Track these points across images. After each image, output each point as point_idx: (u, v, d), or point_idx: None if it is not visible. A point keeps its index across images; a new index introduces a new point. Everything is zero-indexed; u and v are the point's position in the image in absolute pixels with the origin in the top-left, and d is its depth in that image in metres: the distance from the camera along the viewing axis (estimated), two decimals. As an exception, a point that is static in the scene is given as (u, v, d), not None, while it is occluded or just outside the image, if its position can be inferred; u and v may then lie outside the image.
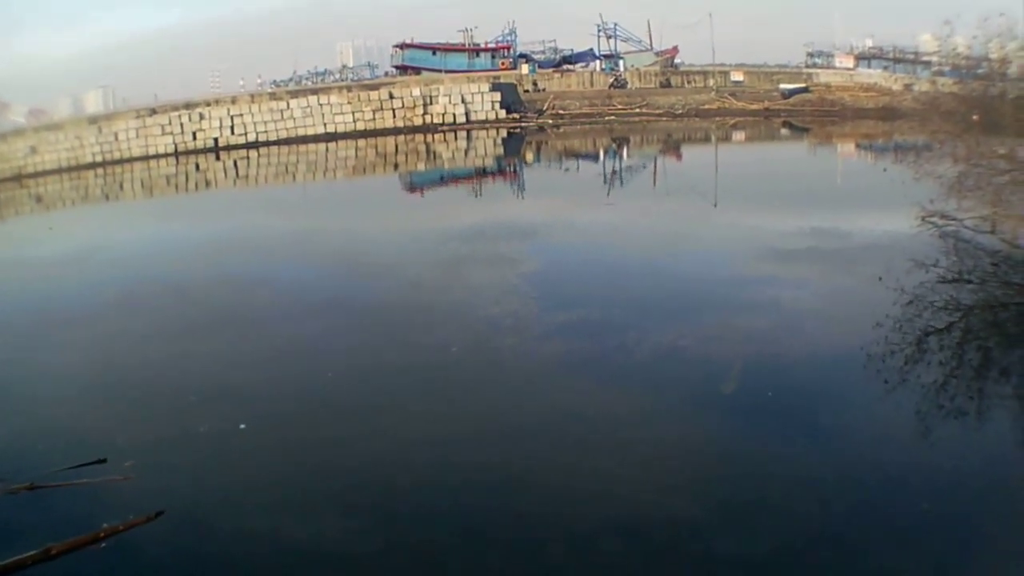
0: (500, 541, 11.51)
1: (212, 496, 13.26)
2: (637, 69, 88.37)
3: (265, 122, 76.60)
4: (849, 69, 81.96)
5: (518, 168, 57.22)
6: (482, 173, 55.48)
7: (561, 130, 72.71)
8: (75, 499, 13.34)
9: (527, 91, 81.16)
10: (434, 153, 66.23)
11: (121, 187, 65.96)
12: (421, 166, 62.56)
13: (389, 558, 11.22)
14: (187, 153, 75.11)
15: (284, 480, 13.41)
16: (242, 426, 15.39)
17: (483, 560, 11.17)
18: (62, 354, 20.92)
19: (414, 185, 53.33)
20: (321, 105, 76.62)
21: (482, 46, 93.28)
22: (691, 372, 16.21)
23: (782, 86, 77.40)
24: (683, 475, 12.36)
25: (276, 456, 14.30)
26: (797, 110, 73.24)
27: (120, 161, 74.64)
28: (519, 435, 14.14)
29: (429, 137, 72.10)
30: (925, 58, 74.94)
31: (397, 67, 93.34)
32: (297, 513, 12.38)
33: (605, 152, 62.78)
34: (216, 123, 76.56)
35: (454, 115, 75.11)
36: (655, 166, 53.67)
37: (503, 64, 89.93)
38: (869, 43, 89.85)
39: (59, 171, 73.87)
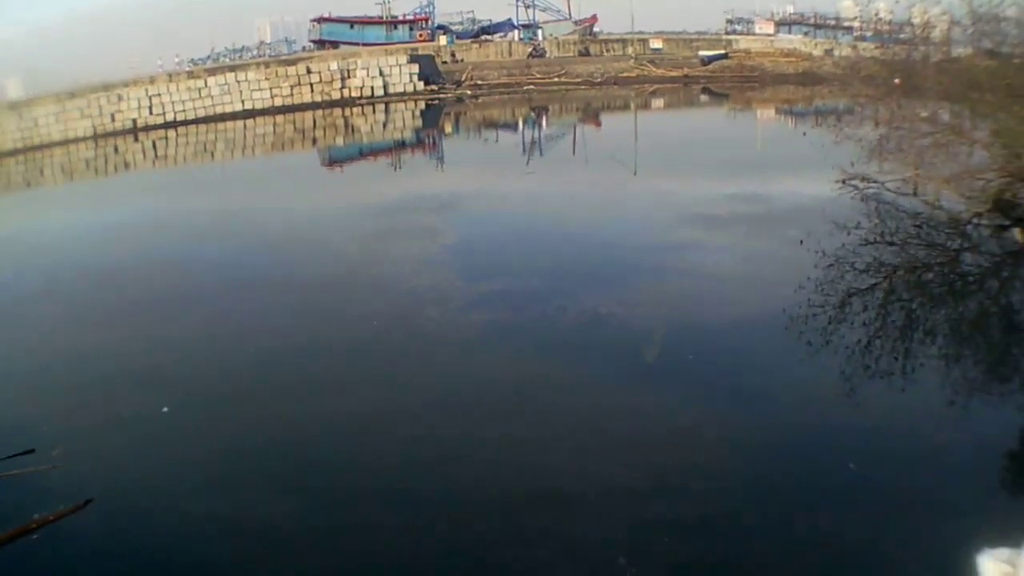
0: (433, 513, 11.36)
1: (140, 481, 13.09)
2: (556, 38, 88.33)
3: (183, 101, 75.72)
4: (769, 35, 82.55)
5: (437, 140, 57.23)
6: (401, 146, 55.30)
7: (480, 100, 72.75)
8: (3, 490, 13.24)
9: (445, 62, 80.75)
10: (352, 127, 65.94)
11: (41, 172, 65.18)
12: (340, 140, 62.31)
13: (320, 535, 11.22)
14: (106, 135, 73.93)
15: (211, 461, 13.34)
16: (165, 409, 15.22)
17: (416, 534, 11.13)
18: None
19: (333, 160, 53.20)
20: (239, 82, 75.99)
21: (400, 18, 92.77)
22: (614, 339, 16.19)
23: (701, 53, 77.48)
24: (609, 441, 12.40)
25: (202, 437, 14.20)
26: (716, 76, 73.51)
27: (40, 147, 73.20)
28: (444, 406, 14.10)
29: (348, 111, 71.94)
30: (846, 24, 75.86)
31: (315, 42, 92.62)
32: (225, 493, 12.36)
33: (524, 122, 62.94)
34: (134, 104, 75.37)
35: (372, 88, 74.78)
36: (574, 135, 53.70)
37: (421, 36, 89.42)
38: (790, 9, 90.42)
39: (-26, 158, 72.89)
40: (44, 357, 19.12)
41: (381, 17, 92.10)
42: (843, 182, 22.00)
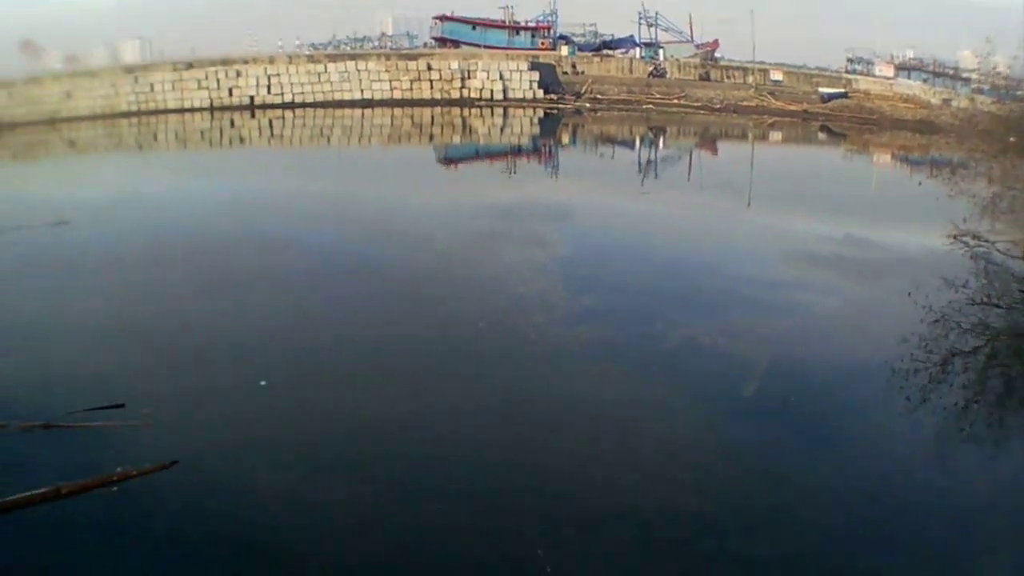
0: (512, 519, 11.57)
1: (228, 450, 13.41)
2: (676, 60, 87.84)
3: (302, 84, 76.33)
4: (889, 79, 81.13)
5: (553, 149, 57.07)
6: (517, 151, 55.26)
7: (598, 114, 72.23)
8: (90, 441, 13.52)
9: (566, 73, 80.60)
10: (470, 128, 65.89)
11: (155, 137, 66.11)
12: (456, 139, 62.43)
13: (393, 525, 11.41)
14: (222, 109, 74.87)
15: (298, 440, 13.56)
16: (263, 383, 15.53)
17: (494, 535, 11.27)
18: (89, 300, 21.15)
19: (448, 158, 53.29)
20: (359, 71, 76.42)
21: (522, 24, 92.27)
22: (714, 368, 16.31)
23: (821, 89, 76.53)
24: (694, 473, 12.47)
25: (294, 416, 14.42)
26: (835, 115, 72.46)
27: (155, 112, 74.39)
28: (535, 413, 14.33)
29: (465, 111, 71.72)
30: (965, 74, 74.45)
31: (436, 39, 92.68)
32: (305, 474, 12.56)
33: (641, 140, 62.50)
34: (252, 81, 76.20)
35: (491, 91, 74.68)
36: (691, 159, 53.48)
37: (543, 44, 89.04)
38: (910, 54, 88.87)
39: (92, 118, 74.04)
40: (149, 319, 19.59)
41: (504, 21, 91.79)
42: (954, 238, 21.75)
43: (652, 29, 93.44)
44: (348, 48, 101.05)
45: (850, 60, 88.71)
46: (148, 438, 13.42)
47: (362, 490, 12.17)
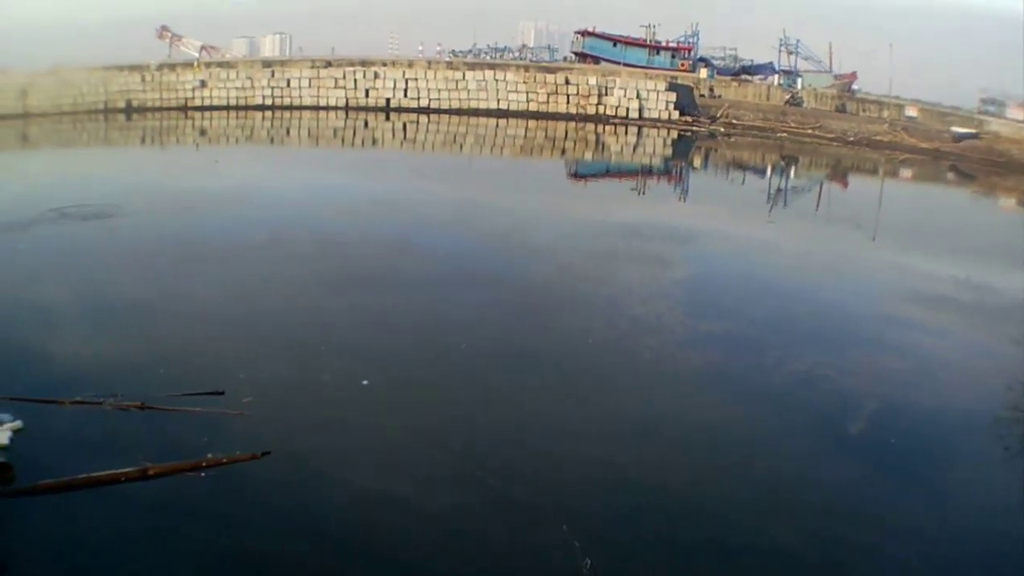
0: (625, 545, 11.56)
1: (323, 447, 13.55)
2: (814, 89, 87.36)
3: (439, 89, 77.34)
4: (1020, 121, 79.65)
5: (684, 172, 56.99)
6: (648, 171, 55.34)
7: (731, 139, 72.05)
8: (184, 425, 13.81)
9: (703, 96, 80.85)
10: (603, 144, 65.75)
11: (288, 132, 67.84)
12: (588, 155, 62.47)
13: (483, 537, 11.63)
14: (357, 109, 76.45)
15: (396, 445, 13.65)
16: (365, 382, 15.82)
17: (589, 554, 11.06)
18: (204, 286, 22.12)
19: (579, 173, 53.65)
20: (497, 81, 77.17)
21: (663, 44, 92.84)
22: (822, 403, 16.45)
23: (954, 129, 74.77)
24: (797, 507, 12.71)
25: (395, 418, 14.54)
26: (965, 155, 70.87)
27: (289, 107, 76.54)
28: (645, 437, 14.54)
29: (600, 128, 71.77)
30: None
31: (576, 53, 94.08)
32: (408, 480, 12.59)
33: (773, 169, 62.22)
34: (390, 84, 77.56)
35: (627, 109, 74.83)
36: (820, 190, 53.16)
37: (682, 65, 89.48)
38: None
39: (226, 108, 76.24)
40: (259, 310, 20.27)
41: (644, 40, 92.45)
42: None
43: (792, 57, 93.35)
44: (488, 57, 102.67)
45: (983, 101, 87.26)
46: (243, 427, 13.73)
47: (456, 500, 12.26)
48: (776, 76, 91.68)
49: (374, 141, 65.49)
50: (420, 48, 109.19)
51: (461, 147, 63.53)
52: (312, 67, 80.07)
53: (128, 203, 31.75)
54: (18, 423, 13.82)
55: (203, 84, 76.87)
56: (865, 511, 12.59)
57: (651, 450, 14.11)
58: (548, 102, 76.05)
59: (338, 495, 12.24)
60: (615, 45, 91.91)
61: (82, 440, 13.41)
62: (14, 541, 11.09)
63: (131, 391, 14.53)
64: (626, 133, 70.50)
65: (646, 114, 74.48)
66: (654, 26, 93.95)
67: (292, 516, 11.74)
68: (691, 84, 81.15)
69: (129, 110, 74.30)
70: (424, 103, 76.82)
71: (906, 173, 65.60)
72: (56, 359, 16.75)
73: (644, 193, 46.45)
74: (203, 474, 12.29)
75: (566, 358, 17.98)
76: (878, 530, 12.12)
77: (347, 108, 76.56)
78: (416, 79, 77.97)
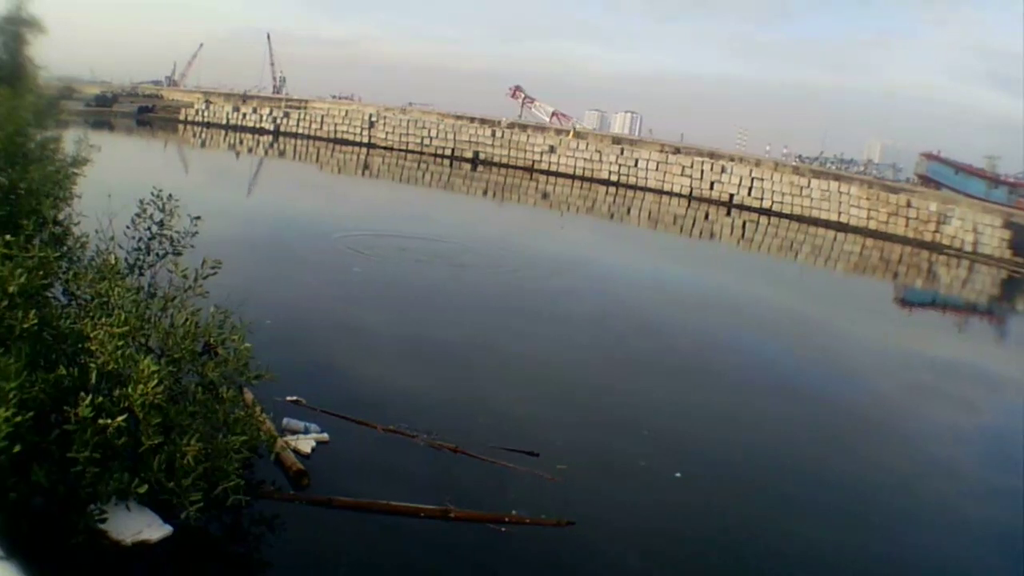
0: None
1: (628, 531, 13.66)
2: None
3: (782, 192, 79.36)
4: None
5: (1005, 315, 54.87)
6: (971, 308, 54.24)
7: (1066, 287, 67.61)
8: (493, 477, 14.38)
9: (1039, 237, 79.11)
10: (934, 274, 65.49)
11: (628, 211, 70.81)
12: (919, 283, 62.47)
13: None
14: (700, 200, 79.24)
15: (697, 552, 13.55)
16: (678, 475, 16.06)
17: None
18: (531, 344, 23.90)
19: (906, 300, 53.61)
20: (840, 193, 78.38)
21: (1002, 178, 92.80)
22: None
23: None
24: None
25: (699, 523, 14.56)
26: None
27: (634, 187, 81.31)
28: None
29: (932, 256, 70.89)
30: None
31: (919, 175, 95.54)
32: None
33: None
34: (736, 180, 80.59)
35: (963, 241, 74.35)
36: None
37: (1019, 203, 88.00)
38: None
39: (571, 176, 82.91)
40: (580, 381, 21.49)
41: (984, 171, 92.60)
42: None
43: None
44: (833, 167, 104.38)
45: None
46: (553, 492, 14.06)
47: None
48: None
49: (711, 234, 67.05)
50: (767, 149, 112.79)
51: (796, 255, 63.98)
52: (661, 151, 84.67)
53: (474, 248, 34.96)
54: (324, 435, 14.84)
55: (552, 150, 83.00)
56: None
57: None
58: (888, 222, 76.59)
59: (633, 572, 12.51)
60: (957, 172, 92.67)
61: (385, 467, 14.38)
62: (292, 544, 11.79)
63: (446, 432, 15.50)
64: (957, 265, 68.92)
65: (980, 249, 73.78)
66: (995, 159, 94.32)
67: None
68: (1029, 223, 79.71)
69: (476, 161, 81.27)
70: (767, 204, 79.11)
71: None
72: (376, 384, 18.44)
73: (963, 331, 45.92)
74: (504, 529, 12.64)
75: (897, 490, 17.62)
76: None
77: (690, 197, 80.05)
78: (762, 179, 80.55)
